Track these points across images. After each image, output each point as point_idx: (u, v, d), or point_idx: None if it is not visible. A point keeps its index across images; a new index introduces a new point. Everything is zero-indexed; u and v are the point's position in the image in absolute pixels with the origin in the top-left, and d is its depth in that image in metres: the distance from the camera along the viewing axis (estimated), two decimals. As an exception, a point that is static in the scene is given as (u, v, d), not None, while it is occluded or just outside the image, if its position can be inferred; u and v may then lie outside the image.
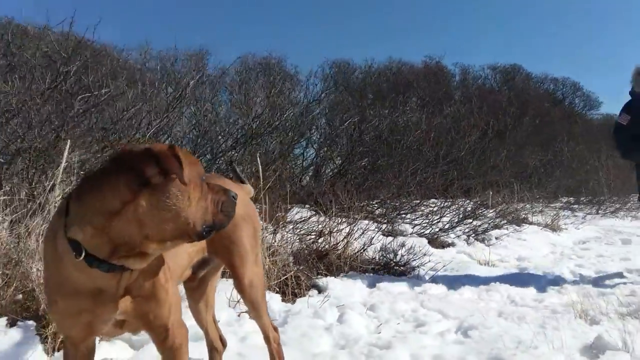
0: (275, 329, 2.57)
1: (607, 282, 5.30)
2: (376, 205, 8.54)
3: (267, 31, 32.06)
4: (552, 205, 12.73)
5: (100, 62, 7.37)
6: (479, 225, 7.95)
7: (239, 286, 2.33)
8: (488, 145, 12.09)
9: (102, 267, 1.48)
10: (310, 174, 10.82)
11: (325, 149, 10.50)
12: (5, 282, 3.37)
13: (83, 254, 1.45)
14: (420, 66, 17.36)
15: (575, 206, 14.03)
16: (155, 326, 1.73)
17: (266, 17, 33.08)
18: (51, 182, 5.15)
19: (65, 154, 4.12)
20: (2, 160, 5.40)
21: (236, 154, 8.17)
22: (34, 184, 5.13)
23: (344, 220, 6.53)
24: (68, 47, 5.92)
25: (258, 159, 5.21)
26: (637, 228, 11.07)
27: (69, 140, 4.31)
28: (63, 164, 4.85)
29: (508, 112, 14.92)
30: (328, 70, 14.66)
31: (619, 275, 5.60)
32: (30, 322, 2.99)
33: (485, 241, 7.56)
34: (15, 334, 2.93)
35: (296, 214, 6.74)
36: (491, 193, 9.93)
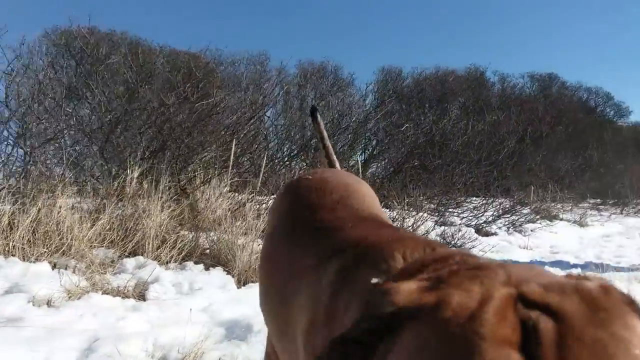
0: None
1: (624, 265, 6.67)
2: (426, 200, 9.99)
3: (321, 36, 33.66)
4: (580, 205, 13.99)
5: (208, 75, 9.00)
6: (517, 219, 9.35)
7: None
8: (525, 150, 13.45)
9: None
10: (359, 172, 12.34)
11: (376, 151, 11.97)
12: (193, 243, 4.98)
13: None
14: (464, 75, 18.65)
15: (602, 207, 15.18)
16: None
17: (321, 23, 34.68)
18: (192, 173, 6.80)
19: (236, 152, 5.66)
20: (148, 155, 7.05)
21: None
22: (178, 174, 6.76)
23: (405, 210, 8.04)
24: (196, 64, 7.55)
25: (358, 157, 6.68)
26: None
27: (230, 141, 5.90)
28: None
29: (544, 121, 16.18)
30: (381, 78, 16.03)
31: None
32: (218, 267, 4.57)
33: (522, 232, 8.95)
34: (214, 273, 4.50)
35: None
36: (532, 190, 11.29)
